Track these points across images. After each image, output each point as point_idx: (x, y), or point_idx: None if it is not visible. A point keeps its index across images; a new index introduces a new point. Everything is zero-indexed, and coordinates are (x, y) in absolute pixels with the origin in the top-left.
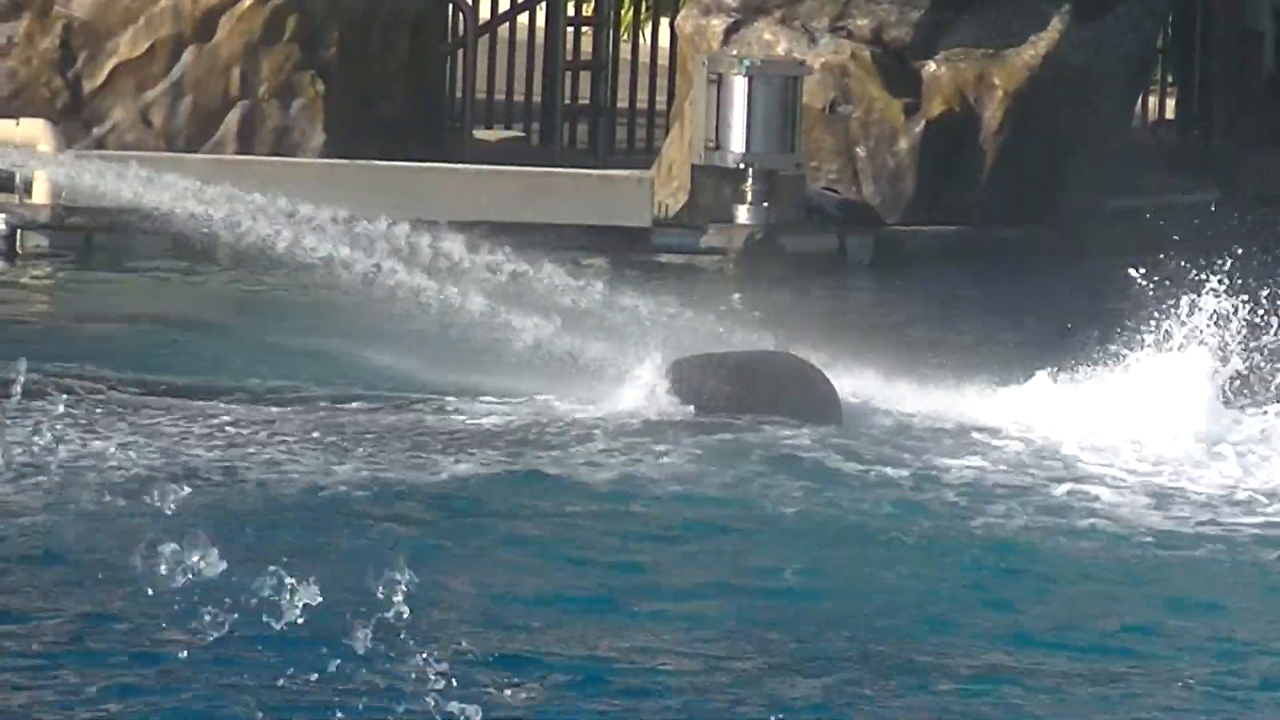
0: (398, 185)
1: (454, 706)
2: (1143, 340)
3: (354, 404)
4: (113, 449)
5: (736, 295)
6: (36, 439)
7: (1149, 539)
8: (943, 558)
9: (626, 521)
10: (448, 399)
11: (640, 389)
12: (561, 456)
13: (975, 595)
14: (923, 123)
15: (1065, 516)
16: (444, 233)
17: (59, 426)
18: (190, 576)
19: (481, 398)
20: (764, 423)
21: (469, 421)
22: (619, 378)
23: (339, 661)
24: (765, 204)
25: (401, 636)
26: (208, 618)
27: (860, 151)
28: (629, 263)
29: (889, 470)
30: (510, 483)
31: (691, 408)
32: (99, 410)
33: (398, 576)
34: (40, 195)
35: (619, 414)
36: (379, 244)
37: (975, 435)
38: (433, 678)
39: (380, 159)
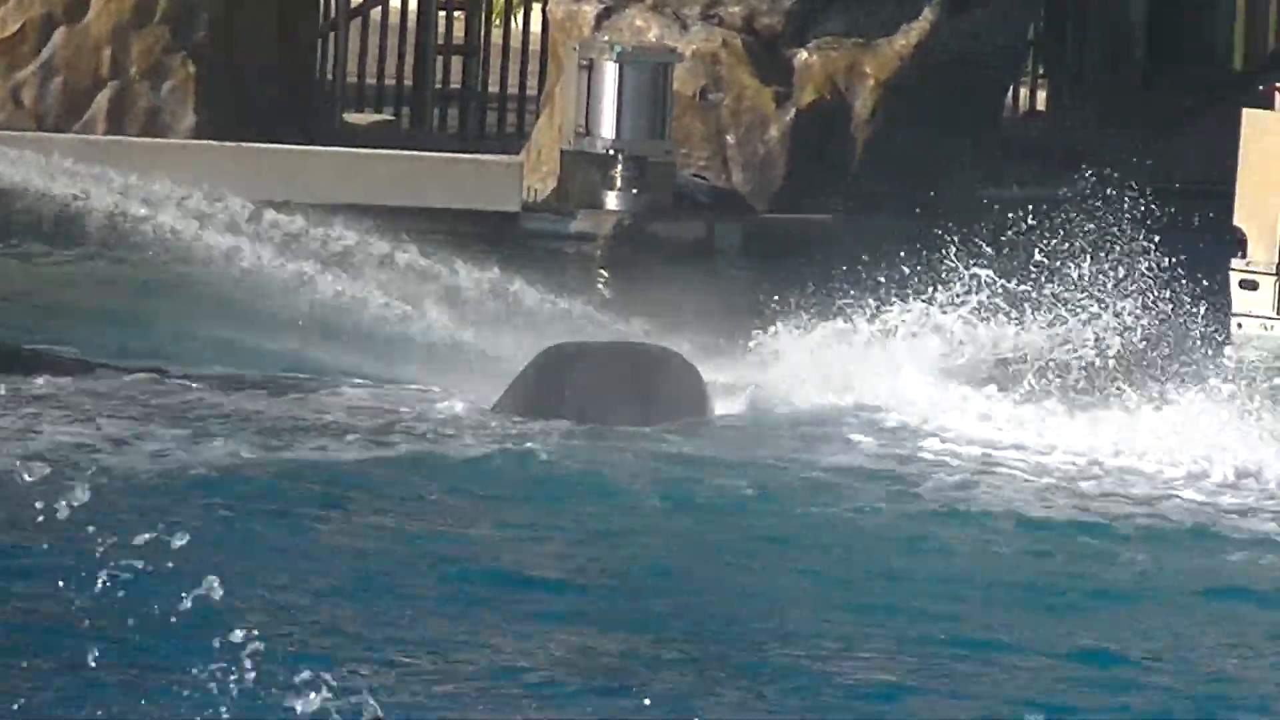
0: (266, 167)
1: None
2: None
3: (207, 384)
4: None
5: (605, 281)
6: None
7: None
8: (802, 551)
9: (485, 515)
10: (304, 380)
11: (504, 378)
12: (419, 446)
13: (836, 590)
14: (793, 111)
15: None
16: (313, 215)
17: None
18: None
19: (340, 381)
20: (629, 416)
21: (320, 405)
22: (482, 365)
23: (167, 647)
24: (635, 190)
25: (232, 622)
26: (58, 604)
27: (730, 139)
28: (498, 247)
29: (750, 463)
30: (361, 470)
31: (559, 399)
32: None
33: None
34: None
35: (479, 404)
36: (245, 225)
37: (833, 425)
38: (255, 667)
39: (251, 141)
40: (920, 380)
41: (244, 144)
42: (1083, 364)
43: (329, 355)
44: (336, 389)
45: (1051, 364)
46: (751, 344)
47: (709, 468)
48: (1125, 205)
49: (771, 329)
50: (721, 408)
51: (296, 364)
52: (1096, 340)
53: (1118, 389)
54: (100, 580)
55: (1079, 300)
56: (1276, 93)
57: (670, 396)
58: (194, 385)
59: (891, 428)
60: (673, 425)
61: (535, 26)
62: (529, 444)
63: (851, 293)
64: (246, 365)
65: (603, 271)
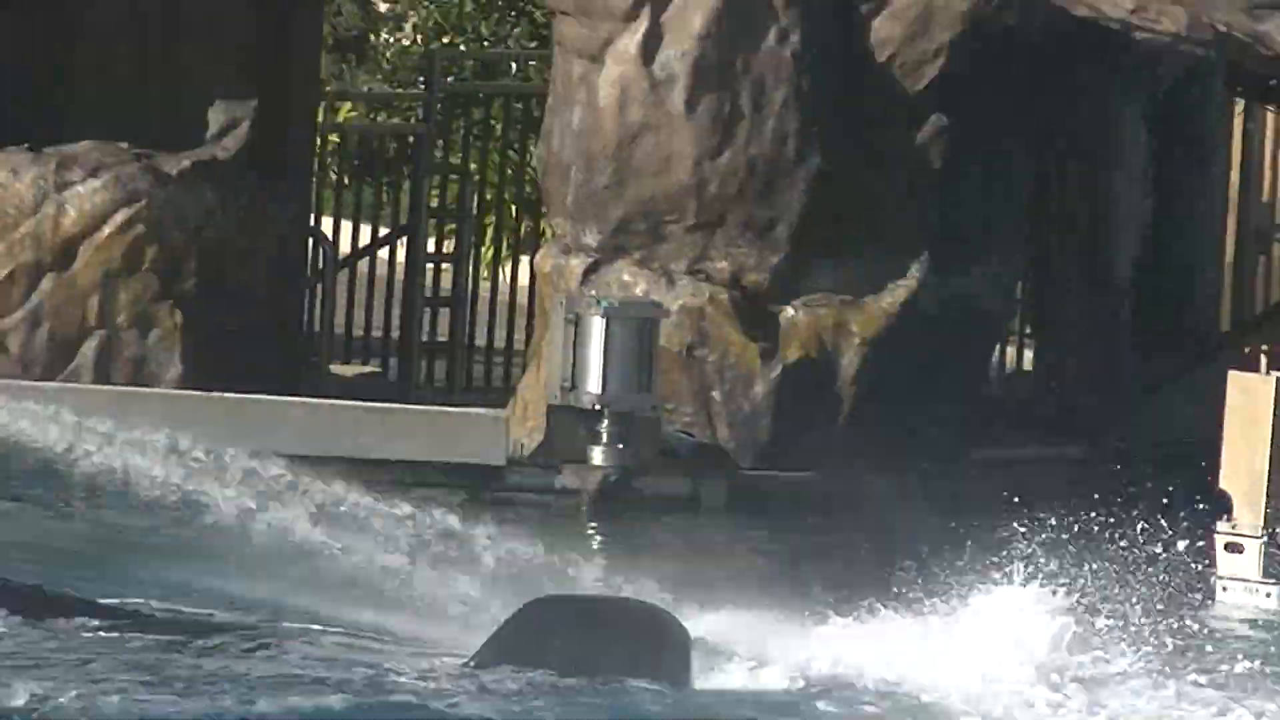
0: (252, 418)
1: None
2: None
3: (180, 629)
4: None
5: (590, 537)
6: None
7: None
8: None
9: None
10: (282, 626)
11: (486, 632)
12: (395, 702)
13: None
14: (779, 367)
15: None
16: (297, 467)
17: None
18: None
19: (315, 630)
20: (610, 680)
21: (298, 654)
22: (464, 619)
23: None
24: (621, 445)
25: None
26: None
27: (716, 395)
28: (483, 501)
29: None
30: None
31: (537, 655)
32: None
33: None
34: None
35: (456, 659)
36: (231, 476)
37: (819, 687)
38: None
39: (237, 392)
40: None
41: (228, 394)
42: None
43: (312, 603)
44: (314, 640)
45: None
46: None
47: None
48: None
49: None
50: (708, 673)
51: (276, 612)
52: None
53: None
54: None
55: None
56: (1262, 355)
57: (654, 657)
58: (167, 631)
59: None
60: (653, 685)
61: (524, 279)
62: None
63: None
64: (224, 610)
65: (593, 526)
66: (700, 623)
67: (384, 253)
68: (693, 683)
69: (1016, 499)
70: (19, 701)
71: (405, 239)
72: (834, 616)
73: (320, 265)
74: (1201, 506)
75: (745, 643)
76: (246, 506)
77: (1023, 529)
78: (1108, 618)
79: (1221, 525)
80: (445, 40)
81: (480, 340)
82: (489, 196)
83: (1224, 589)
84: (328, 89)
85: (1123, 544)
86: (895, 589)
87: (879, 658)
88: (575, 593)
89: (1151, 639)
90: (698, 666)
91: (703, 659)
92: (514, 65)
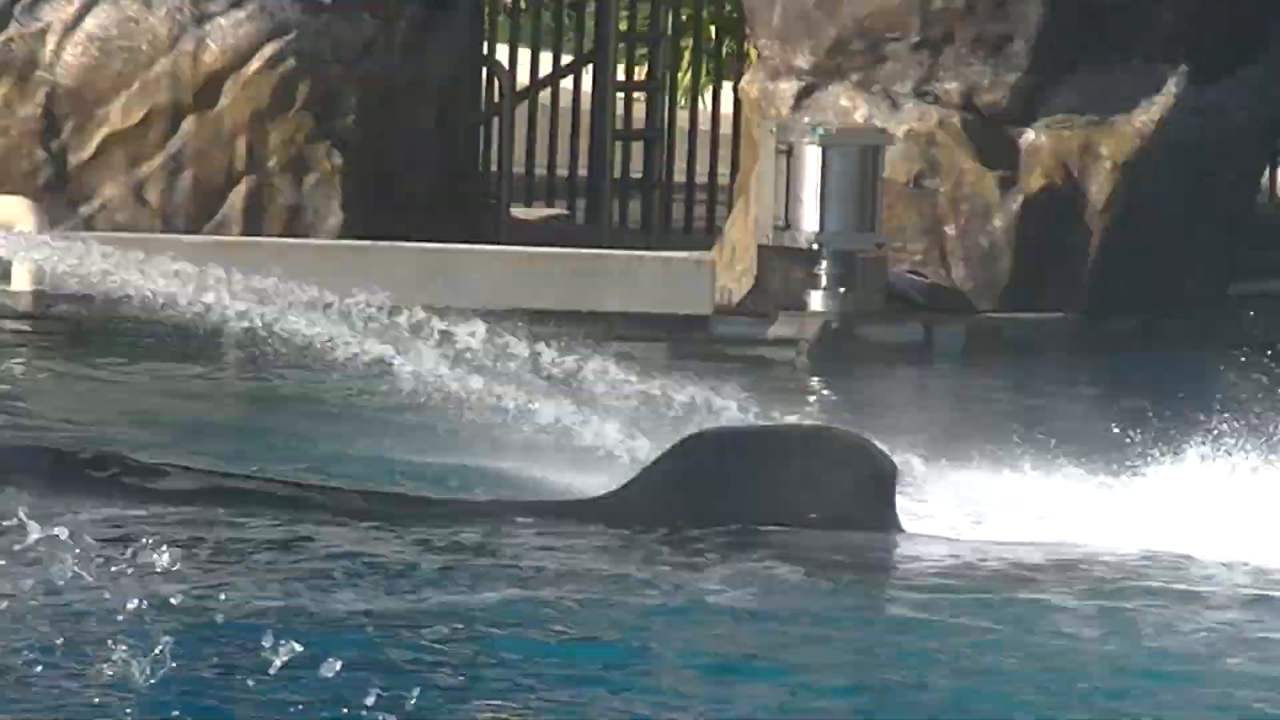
0: (425, 269)
1: None
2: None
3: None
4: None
5: (808, 392)
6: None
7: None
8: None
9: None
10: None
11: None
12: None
13: None
14: (1020, 198)
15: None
16: (477, 322)
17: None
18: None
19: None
20: (779, 516)
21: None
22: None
23: None
24: (842, 289)
25: None
26: None
27: (949, 230)
28: (687, 355)
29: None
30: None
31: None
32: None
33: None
34: (20, 281)
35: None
36: (405, 335)
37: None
38: None
39: (404, 240)
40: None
41: (397, 244)
42: None
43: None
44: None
45: None
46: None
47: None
48: None
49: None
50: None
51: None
52: None
53: None
54: None
55: None
56: None
57: (843, 485)
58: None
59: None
60: (838, 534)
61: (726, 107)
62: (654, 553)
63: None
64: (408, 483)
65: (809, 381)
66: (927, 480)
67: (567, 83)
68: (900, 526)
69: None
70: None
71: (591, 66)
72: (1071, 473)
73: (496, 98)
74: None
75: (970, 500)
76: (428, 369)
77: None
78: None
79: None
80: None
81: (679, 177)
82: (684, 17)
83: None
84: None
85: None
86: (1143, 444)
87: (1121, 519)
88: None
89: None
90: (909, 515)
91: (916, 507)
92: None
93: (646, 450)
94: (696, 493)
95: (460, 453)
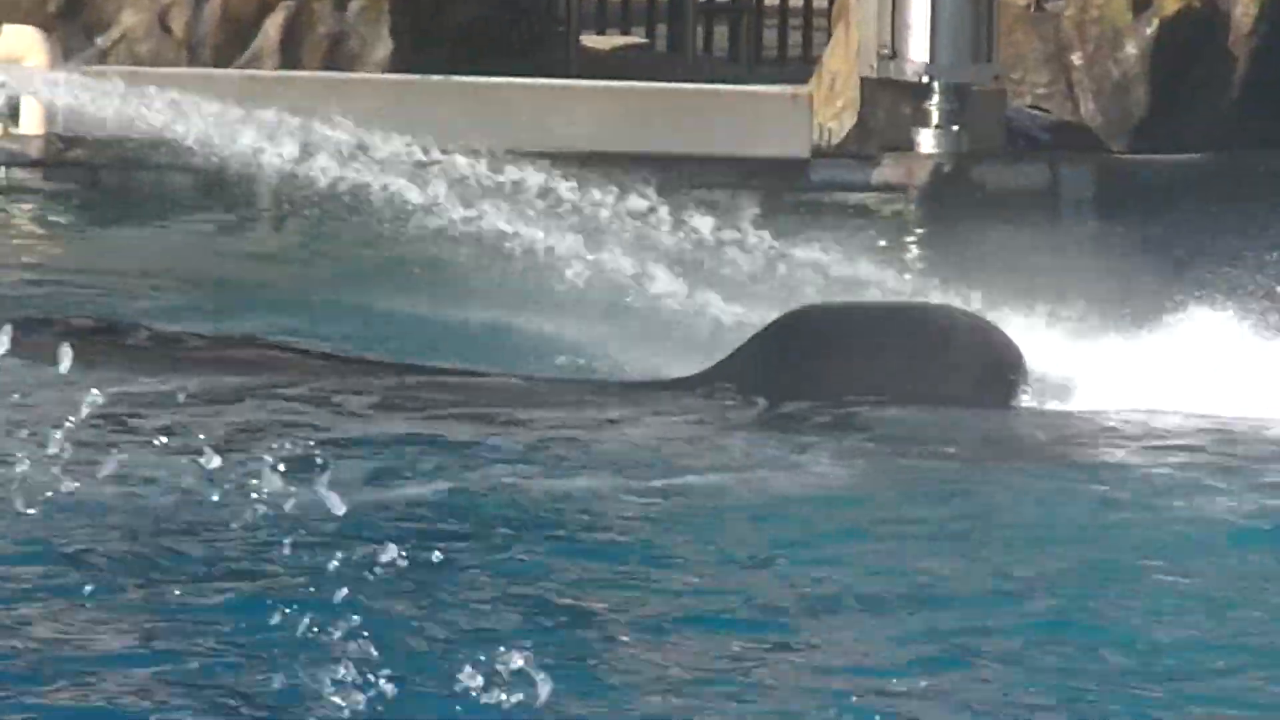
0: (485, 106)
1: None
2: None
3: (430, 377)
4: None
5: (917, 245)
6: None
7: None
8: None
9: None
10: (547, 380)
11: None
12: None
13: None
14: (1155, 22)
15: None
16: (543, 167)
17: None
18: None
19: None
20: (892, 396)
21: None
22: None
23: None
24: (955, 127)
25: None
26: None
27: (1075, 59)
28: (781, 203)
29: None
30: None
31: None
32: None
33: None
34: (30, 123)
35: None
36: (461, 181)
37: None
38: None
39: (459, 73)
40: None
41: (454, 78)
42: None
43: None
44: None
45: None
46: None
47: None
48: None
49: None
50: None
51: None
52: None
53: None
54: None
55: None
56: None
57: (959, 375)
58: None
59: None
60: (960, 414)
61: None
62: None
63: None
64: (486, 359)
65: (918, 232)
66: (1046, 346)
67: None
68: (1020, 403)
69: None
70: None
71: None
72: (1223, 335)
73: None
74: None
75: (1095, 368)
76: (497, 223)
77: None
78: None
79: None
80: None
81: (770, 0)
82: None
83: None
84: None
85: None
86: None
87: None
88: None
89: None
90: (1030, 392)
91: (1038, 383)
92: None
93: (733, 322)
94: (796, 372)
95: (547, 320)
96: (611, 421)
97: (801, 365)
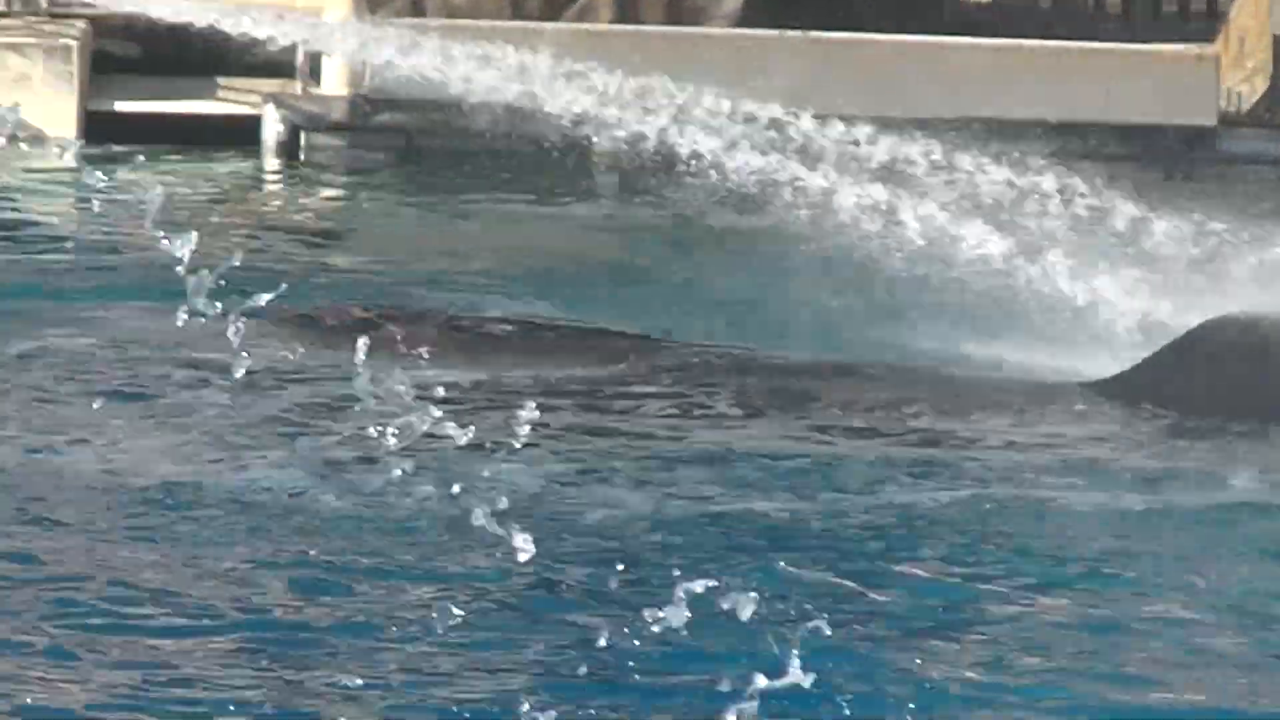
0: (854, 66)
1: None
2: None
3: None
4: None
5: None
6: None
7: None
8: None
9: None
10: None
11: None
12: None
13: None
14: None
15: None
16: (918, 135)
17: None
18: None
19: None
20: None
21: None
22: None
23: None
24: None
25: None
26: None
27: None
28: (1186, 176)
29: None
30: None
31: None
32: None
33: None
34: (334, 84)
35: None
36: (828, 152)
37: None
38: None
39: (813, 29)
40: None
41: (815, 34)
42: None
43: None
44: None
45: None
46: None
47: None
48: None
49: None
50: None
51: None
52: None
53: None
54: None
55: None
56: None
57: None
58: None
59: None
60: None
61: None
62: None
63: None
64: (864, 351)
65: None
66: None
67: None
68: None
69: None
70: None
71: None
72: None
73: None
74: None
75: None
76: (865, 197)
77: None
78: None
79: None
80: None
81: None
82: None
83: None
84: None
85: None
86: None
87: None
88: None
89: None
90: None
91: None
92: None
93: (1139, 316)
94: (1218, 382)
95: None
96: (1020, 424)
97: (1218, 378)
